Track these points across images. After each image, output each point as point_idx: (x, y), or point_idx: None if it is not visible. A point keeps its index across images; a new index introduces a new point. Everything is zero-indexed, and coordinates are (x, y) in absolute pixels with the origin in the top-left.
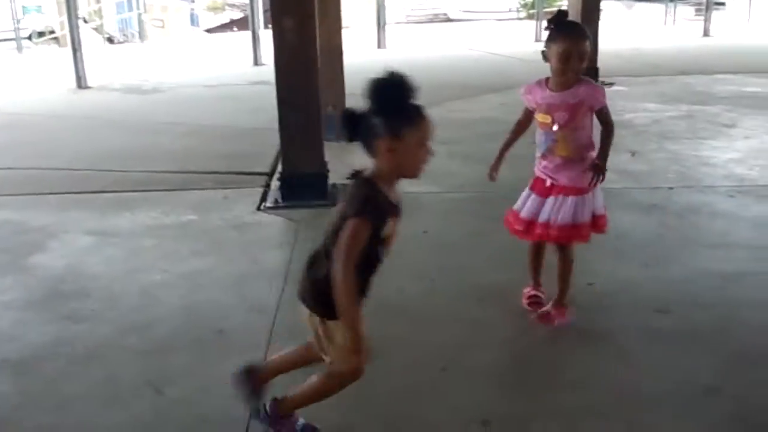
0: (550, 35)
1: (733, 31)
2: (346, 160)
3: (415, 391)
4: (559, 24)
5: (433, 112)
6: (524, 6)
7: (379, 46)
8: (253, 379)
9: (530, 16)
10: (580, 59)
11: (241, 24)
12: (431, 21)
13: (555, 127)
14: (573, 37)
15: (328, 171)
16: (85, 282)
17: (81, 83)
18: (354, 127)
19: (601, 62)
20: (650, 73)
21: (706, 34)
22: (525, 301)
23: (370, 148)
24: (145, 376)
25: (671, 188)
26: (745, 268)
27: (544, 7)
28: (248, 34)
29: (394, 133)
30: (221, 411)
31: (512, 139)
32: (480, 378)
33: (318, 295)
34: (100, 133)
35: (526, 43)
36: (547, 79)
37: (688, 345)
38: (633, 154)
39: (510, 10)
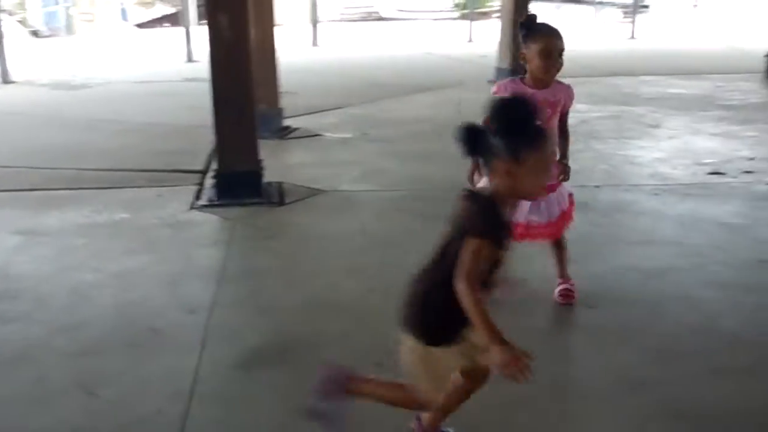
0: (526, 37)
1: (657, 33)
2: (280, 158)
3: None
4: (533, 25)
5: (366, 111)
6: (457, 6)
7: (313, 44)
8: (341, 385)
9: (464, 17)
10: (560, 56)
11: (173, 19)
12: (364, 19)
13: (548, 125)
14: (551, 35)
15: (263, 169)
16: (13, 282)
17: (5, 78)
18: (473, 143)
19: None
20: (579, 74)
21: (632, 36)
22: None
23: (488, 167)
24: (76, 377)
25: (598, 187)
26: (668, 264)
27: (476, 8)
28: (180, 29)
29: (515, 156)
30: (156, 410)
31: None
32: None
33: (425, 321)
34: (27, 130)
35: (459, 43)
36: (522, 78)
37: (615, 339)
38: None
39: (442, 11)
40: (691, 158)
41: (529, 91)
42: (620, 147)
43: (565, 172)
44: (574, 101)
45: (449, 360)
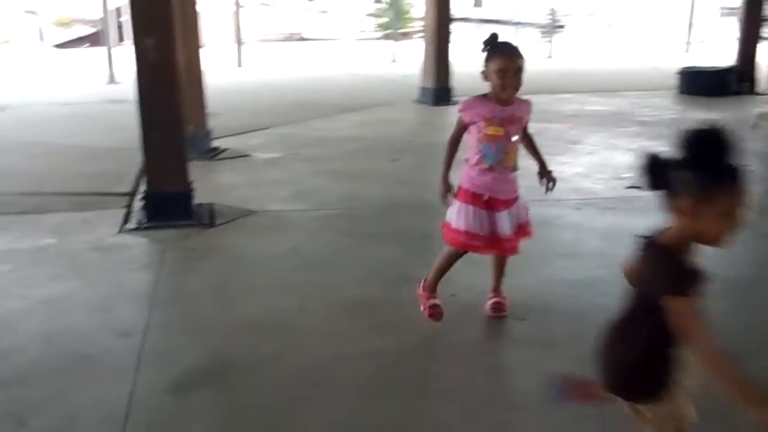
0: (487, 56)
1: (573, 52)
2: (210, 180)
3: (290, 406)
4: (493, 44)
5: (295, 131)
6: (380, 26)
7: (238, 65)
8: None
9: (386, 37)
10: (517, 74)
11: (92, 39)
12: (287, 40)
13: (515, 138)
14: (509, 54)
15: (193, 190)
16: None
17: None
18: (658, 175)
19: (456, 82)
20: None
21: (549, 56)
22: (428, 312)
23: (670, 204)
24: (6, 407)
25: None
26: (593, 275)
27: (399, 29)
28: (100, 50)
29: (704, 194)
30: None
31: (452, 157)
32: (353, 390)
33: (632, 380)
34: None
35: (383, 63)
36: (486, 95)
37: (545, 349)
38: None
39: (363, 31)
40: (610, 173)
41: (496, 107)
42: None
43: (551, 181)
44: (531, 115)
45: (681, 408)
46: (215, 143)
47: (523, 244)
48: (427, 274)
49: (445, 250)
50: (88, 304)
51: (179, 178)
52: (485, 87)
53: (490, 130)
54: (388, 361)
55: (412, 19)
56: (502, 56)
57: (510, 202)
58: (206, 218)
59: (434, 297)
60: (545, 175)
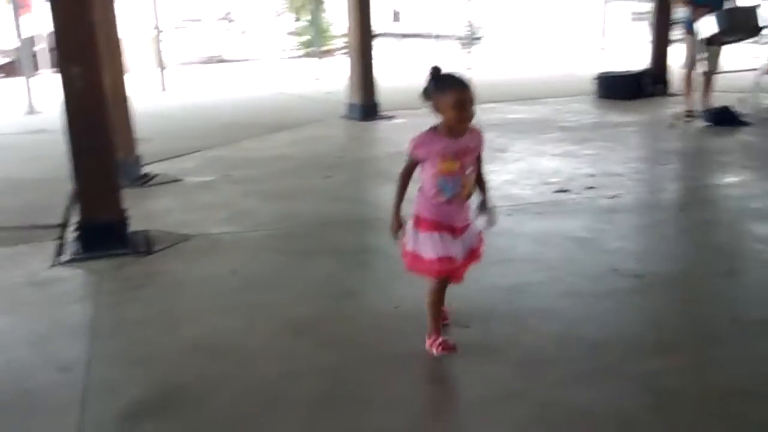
0: (437, 88)
1: (492, 63)
2: (144, 206)
3: (245, 426)
4: (440, 78)
5: (225, 152)
6: (302, 45)
7: (162, 89)
8: None
9: (308, 55)
10: (472, 105)
11: (7, 69)
12: (208, 62)
13: (468, 171)
14: (462, 86)
15: (127, 218)
16: None
17: None
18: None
19: (381, 97)
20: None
21: (469, 67)
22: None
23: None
24: None
25: None
26: (528, 279)
27: (321, 46)
28: (17, 80)
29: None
30: None
31: (403, 193)
32: (306, 406)
33: None
34: None
35: (307, 81)
36: (436, 128)
37: (487, 354)
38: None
39: (285, 50)
40: (537, 178)
41: (449, 141)
42: None
43: (491, 220)
44: (483, 144)
45: None
46: (146, 169)
47: None
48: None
49: (428, 288)
50: (25, 339)
51: (112, 205)
52: (411, 101)
53: (446, 166)
54: (337, 375)
55: (332, 37)
56: (457, 89)
57: (464, 228)
58: (143, 245)
59: (440, 337)
60: (485, 211)
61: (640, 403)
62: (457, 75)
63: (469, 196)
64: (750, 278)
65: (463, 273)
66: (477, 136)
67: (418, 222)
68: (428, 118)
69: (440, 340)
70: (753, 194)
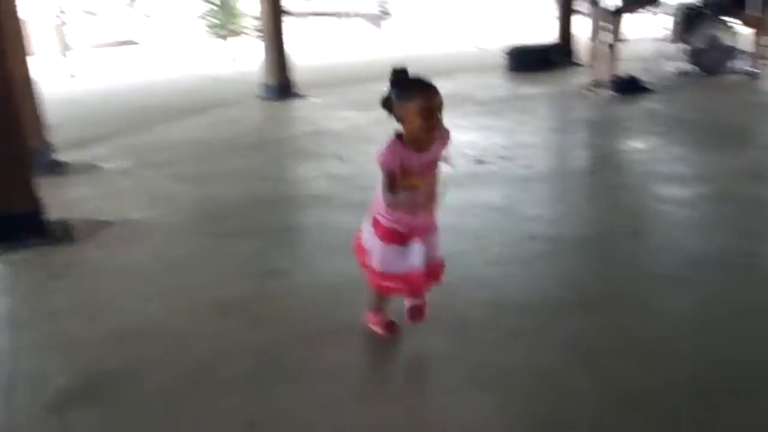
0: (401, 94)
1: (405, 38)
2: (60, 195)
3: (175, 408)
4: (405, 82)
5: (140, 137)
6: (211, 26)
7: (70, 75)
8: None
9: (219, 36)
10: (440, 111)
11: None
12: (117, 45)
13: (434, 180)
14: (430, 92)
15: (43, 207)
16: None
17: None
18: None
19: (296, 76)
20: (342, 83)
21: (383, 42)
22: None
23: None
24: None
25: (373, 187)
26: (454, 248)
27: (230, 27)
28: None
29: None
30: None
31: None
32: (237, 384)
33: None
34: None
35: (220, 62)
36: (399, 136)
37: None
38: (341, 159)
39: (195, 32)
40: (456, 151)
41: (417, 155)
42: None
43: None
44: (450, 141)
45: None
46: (58, 157)
47: None
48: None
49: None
50: None
51: (27, 195)
52: (325, 80)
53: (409, 182)
54: (268, 352)
55: (242, 17)
56: (425, 95)
57: (426, 232)
58: (61, 235)
59: (384, 316)
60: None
61: (566, 360)
62: (421, 78)
63: (431, 202)
64: (657, 237)
65: (422, 289)
66: (442, 140)
67: (376, 224)
68: (344, 96)
69: (386, 320)
70: (659, 158)
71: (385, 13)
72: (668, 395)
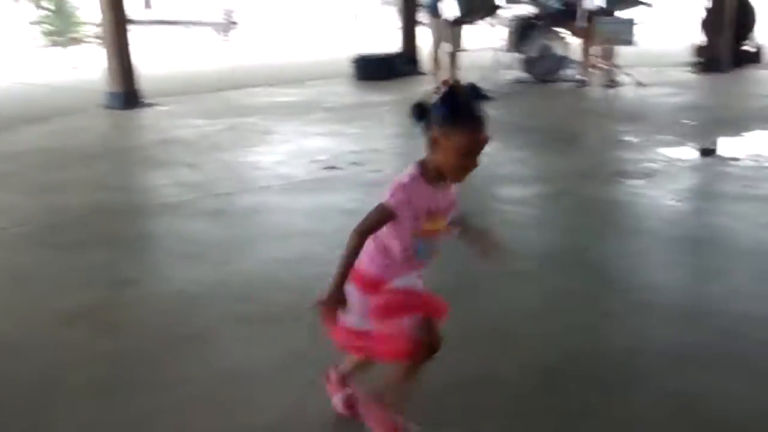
0: (448, 119)
1: (252, 47)
2: None
3: (27, 419)
4: (457, 104)
5: None
6: (47, 33)
7: None
8: None
9: (56, 43)
10: (481, 151)
11: None
12: None
13: (450, 226)
14: (479, 126)
15: None
16: None
17: None
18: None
19: (142, 85)
20: (190, 91)
21: (230, 52)
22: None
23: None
24: None
25: (231, 194)
26: (306, 251)
27: (68, 34)
28: None
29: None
30: None
31: (356, 256)
32: (90, 393)
33: None
34: None
35: (60, 70)
36: (420, 167)
37: (273, 324)
38: (191, 167)
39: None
40: (306, 158)
41: (438, 193)
42: (243, 155)
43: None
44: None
45: None
46: None
47: (235, 230)
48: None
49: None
50: None
51: None
52: (175, 86)
53: (431, 225)
54: (118, 361)
55: (81, 24)
56: (473, 129)
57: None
58: None
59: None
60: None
61: None
62: (475, 105)
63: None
64: (501, 235)
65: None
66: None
67: (373, 286)
68: (193, 104)
69: (342, 394)
70: (498, 162)
71: (232, 22)
72: (516, 380)
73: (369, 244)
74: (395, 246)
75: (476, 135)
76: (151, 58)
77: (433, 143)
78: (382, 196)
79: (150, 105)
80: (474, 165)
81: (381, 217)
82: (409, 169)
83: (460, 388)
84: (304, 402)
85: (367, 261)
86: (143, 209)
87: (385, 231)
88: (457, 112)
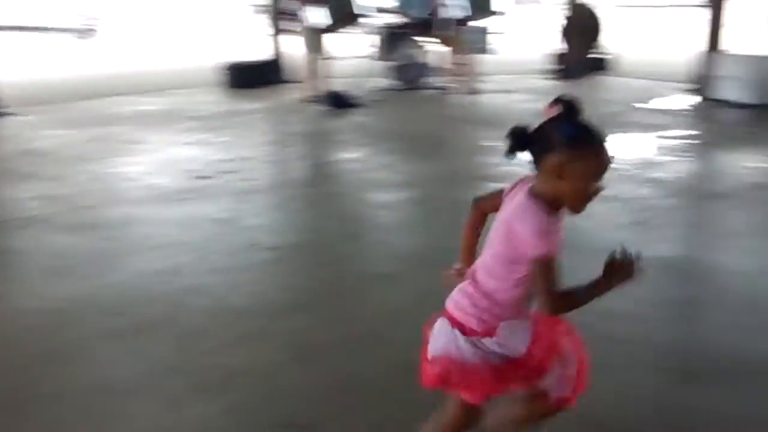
0: (577, 141)
1: (112, 55)
2: None
3: None
4: (586, 123)
5: None
6: None
7: None
8: None
9: None
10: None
11: None
12: None
13: None
14: (605, 145)
15: None
16: None
17: None
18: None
19: (1, 93)
20: (52, 100)
21: (89, 59)
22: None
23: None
24: None
25: (98, 206)
26: (178, 261)
27: None
28: None
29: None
30: None
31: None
32: None
33: None
34: None
35: None
36: (540, 201)
37: (146, 335)
38: (56, 179)
39: None
40: (176, 167)
41: (559, 224)
42: (111, 166)
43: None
44: None
45: None
46: None
47: (105, 243)
48: None
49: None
50: None
51: None
52: (36, 95)
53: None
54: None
55: None
56: (603, 149)
57: None
58: None
59: None
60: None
61: (285, 357)
62: (593, 124)
63: None
64: (371, 239)
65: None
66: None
67: (483, 331)
68: (55, 113)
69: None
70: (369, 167)
71: (91, 29)
72: (379, 380)
73: (490, 303)
74: (515, 293)
75: (607, 154)
76: (9, 65)
77: (555, 170)
78: (519, 249)
79: (9, 114)
80: (600, 189)
81: (553, 266)
82: (526, 207)
83: (328, 393)
84: (178, 411)
85: (483, 316)
86: (6, 223)
87: (510, 278)
88: (586, 131)
